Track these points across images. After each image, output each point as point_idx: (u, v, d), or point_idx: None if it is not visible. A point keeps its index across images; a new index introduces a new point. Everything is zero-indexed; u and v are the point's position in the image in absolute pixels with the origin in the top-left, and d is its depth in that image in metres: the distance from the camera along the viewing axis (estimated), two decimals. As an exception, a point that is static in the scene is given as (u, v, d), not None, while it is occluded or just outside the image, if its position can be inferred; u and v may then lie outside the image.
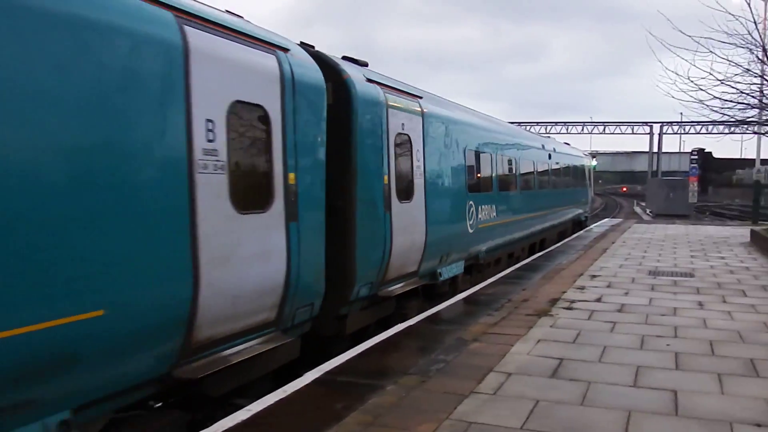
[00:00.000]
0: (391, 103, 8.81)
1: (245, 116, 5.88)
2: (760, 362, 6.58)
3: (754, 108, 18.87)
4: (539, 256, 15.90)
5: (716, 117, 20.14)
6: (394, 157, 8.85)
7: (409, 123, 9.42)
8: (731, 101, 18.19)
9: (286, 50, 6.60)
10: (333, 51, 8.34)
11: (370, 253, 8.19)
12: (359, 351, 7.16)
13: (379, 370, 6.44)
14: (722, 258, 15.28)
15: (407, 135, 9.36)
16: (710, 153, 77.36)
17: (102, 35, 4.40)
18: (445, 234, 10.50)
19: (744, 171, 71.66)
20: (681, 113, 44.28)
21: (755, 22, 15.79)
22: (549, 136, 20.67)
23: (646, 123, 74.89)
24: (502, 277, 12.60)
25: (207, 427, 5.04)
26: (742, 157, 73.07)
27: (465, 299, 10.23)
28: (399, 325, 8.41)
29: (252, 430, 5.02)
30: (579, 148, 30.32)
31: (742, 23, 15.99)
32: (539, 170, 18.45)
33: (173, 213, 4.96)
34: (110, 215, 4.41)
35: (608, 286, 11.14)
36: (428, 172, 9.96)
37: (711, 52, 16.58)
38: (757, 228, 20.64)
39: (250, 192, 5.96)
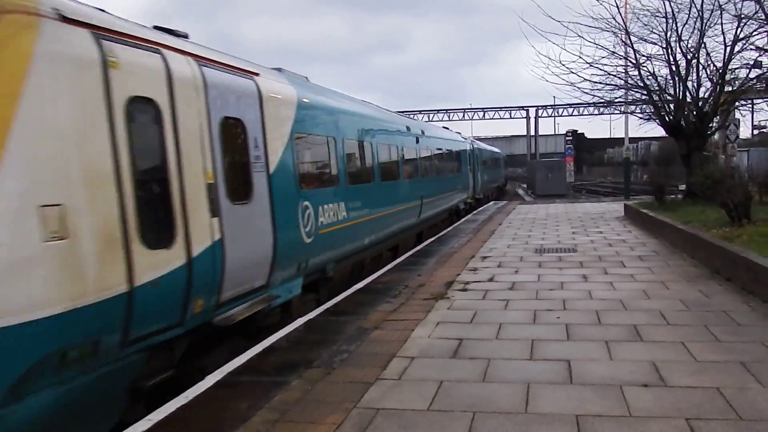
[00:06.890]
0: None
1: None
2: (642, 327, 7.04)
3: (620, 88, 20.20)
4: (432, 242, 16.25)
5: (587, 99, 21.41)
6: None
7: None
8: (600, 83, 19.41)
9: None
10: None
11: None
12: (260, 349, 7.02)
13: (282, 367, 6.35)
14: (600, 232, 16.23)
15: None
16: (583, 134, 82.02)
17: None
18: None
19: (614, 150, 76.32)
20: (554, 96, 46.61)
21: (617, 6, 16.83)
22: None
23: (522, 107, 78.48)
24: (396, 264, 12.76)
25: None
26: (612, 136, 78.49)
27: (362, 289, 10.27)
28: (299, 319, 8.32)
29: (153, 441, 4.80)
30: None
31: (606, 8, 17.02)
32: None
33: None
34: None
35: (499, 266, 11.55)
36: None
37: (579, 36, 17.54)
38: (630, 202, 22.09)
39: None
